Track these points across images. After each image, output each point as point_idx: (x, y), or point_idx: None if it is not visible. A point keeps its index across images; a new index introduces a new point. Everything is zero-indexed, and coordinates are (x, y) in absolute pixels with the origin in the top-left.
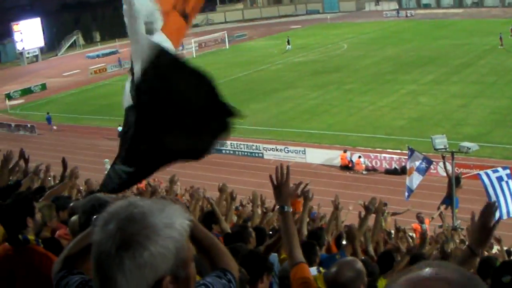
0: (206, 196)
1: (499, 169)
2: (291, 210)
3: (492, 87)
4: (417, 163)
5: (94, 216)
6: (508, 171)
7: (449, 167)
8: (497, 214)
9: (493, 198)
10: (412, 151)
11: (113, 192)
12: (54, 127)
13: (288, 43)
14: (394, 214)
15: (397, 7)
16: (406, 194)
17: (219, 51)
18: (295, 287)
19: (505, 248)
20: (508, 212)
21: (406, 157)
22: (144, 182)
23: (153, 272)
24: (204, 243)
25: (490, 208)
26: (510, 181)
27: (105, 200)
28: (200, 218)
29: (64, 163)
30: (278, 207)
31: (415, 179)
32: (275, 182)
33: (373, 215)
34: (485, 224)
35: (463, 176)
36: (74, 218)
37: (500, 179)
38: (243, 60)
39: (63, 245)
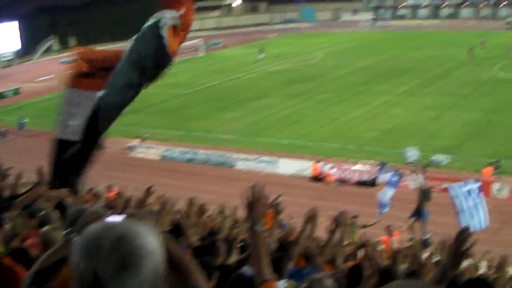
0: (176, 208)
1: (469, 182)
2: (263, 229)
3: (466, 100)
4: (388, 176)
5: (66, 232)
6: (478, 184)
7: (420, 179)
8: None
9: (461, 212)
10: (382, 165)
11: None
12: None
13: (261, 52)
14: (364, 226)
15: (373, 17)
16: (381, 209)
17: (194, 58)
18: None
19: (472, 262)
20: (475, 225)
21: (378, 168)
22: (114, 192)
23: None
24: (174, 260)
25: (464, 232)
26: (479, 194)
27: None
28: (168, 230)
29: (39, 173)
30: (249, 225)
31: (387, 193)
32: (247, 200)
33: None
34: (457, 249)
35: (433, 189)
36: (46, 228)
37: (469, 192)
38: (219, 68)
39: (31, 256)
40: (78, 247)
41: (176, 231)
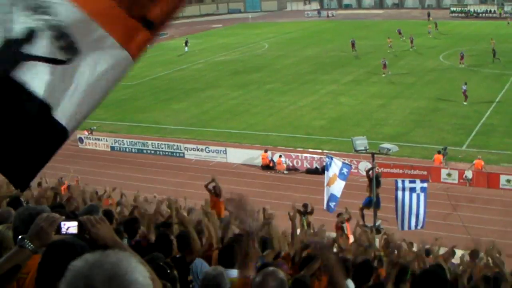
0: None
1: (417, 180)
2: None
3: (411, 88)
4: (338, 169)
5: (19, 238)
6: (424, 185)
7: (370, 167)
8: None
9: (399, 209)
10: (330, 158)
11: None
12: None
13: (186, 45)
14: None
15: (319, 7)
16: (333, 204)
17: None
18: None
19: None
20: (410, 225)
21: (327, 161)
22: (65, 185)
23: None
24: None
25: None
26: (423, 194)
27: (41, 209)
28: (122, 224)
29: None
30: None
31: (338, 186)
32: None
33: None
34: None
35: (383, 177)
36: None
37: (413, 190)
38: (164, 59)
39: None
40: (65, 286)
41: (129, 224)
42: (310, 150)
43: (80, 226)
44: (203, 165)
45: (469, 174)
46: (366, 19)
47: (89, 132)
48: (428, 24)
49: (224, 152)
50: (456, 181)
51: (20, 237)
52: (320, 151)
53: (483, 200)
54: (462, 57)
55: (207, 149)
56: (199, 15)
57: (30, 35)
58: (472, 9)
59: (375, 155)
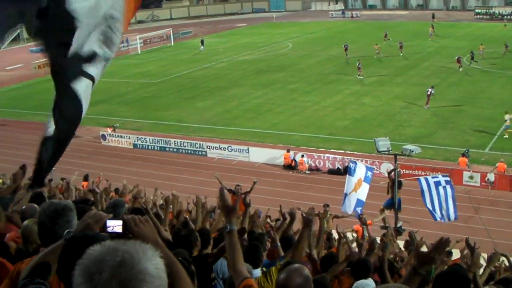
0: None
1: (439, 175)
2: (236, 227)
3: (435, 89)
4: (363, 173)
5: (66, 231)
6: (447, 178)
7: (392, 168)
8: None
9: (428, 202)
10: (354, 163)
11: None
12: None
13: (202, 44)
14: (336, 217)
15: (343, 7)
16: (359, 208)
17: (164, 47)
18: None
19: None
20: (442, 217)
21: (349, 157)
22: (87, 182)
23: None
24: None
25: (444, 243)
26: (448, 186)
27: (65, 204)
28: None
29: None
30: (225, 229)
31: (364, 190)
32: (221, 205)
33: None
34: (433, 256)
35: (404, 178)
36: (26, 222)
37: (438, 183)
38: (188, 57)
39: (11, 249)
40: (79, 269)
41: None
42: (332, 150)
43: (124, 225)
44: (225, 164)
45: (491, 177)
46: (390, 20)
47: (112, 129)
48: (429, 27)
49: (247, 151)
50: (478, 184)
51: (67, 231)
52: (342, 151)
53: (505, 203)
54: (458, 61)
55: (229, 148)
56: (223, 14)
57: (92, 57)
58: (497, 11)
59: (398, 157)
